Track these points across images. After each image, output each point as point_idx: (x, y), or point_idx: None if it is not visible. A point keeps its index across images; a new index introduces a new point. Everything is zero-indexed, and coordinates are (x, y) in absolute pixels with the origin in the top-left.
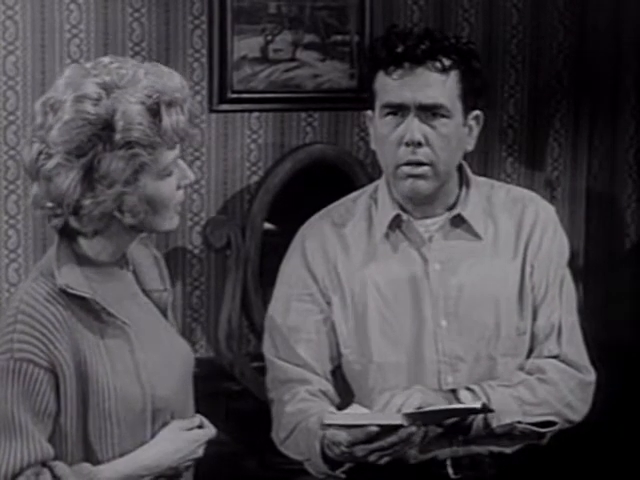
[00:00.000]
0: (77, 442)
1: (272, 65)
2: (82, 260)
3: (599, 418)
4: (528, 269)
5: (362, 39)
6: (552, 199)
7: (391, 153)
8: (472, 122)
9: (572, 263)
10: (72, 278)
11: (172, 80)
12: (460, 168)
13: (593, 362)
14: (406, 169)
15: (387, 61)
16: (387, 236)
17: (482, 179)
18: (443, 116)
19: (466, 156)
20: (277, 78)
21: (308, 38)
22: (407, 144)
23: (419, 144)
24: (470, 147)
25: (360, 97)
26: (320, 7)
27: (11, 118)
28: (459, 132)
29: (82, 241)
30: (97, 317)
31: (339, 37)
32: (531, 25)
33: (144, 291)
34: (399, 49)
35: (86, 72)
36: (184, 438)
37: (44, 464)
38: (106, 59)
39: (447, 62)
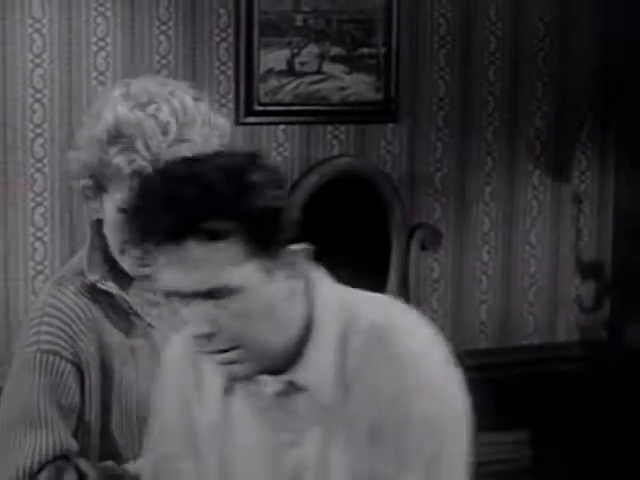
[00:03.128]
0: (101, 439)
1: (298, 78)
2: (111, 262)
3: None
4: None
5: (389, 52)
6: (579, 212)
7: None
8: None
9: (599, 276)
10: (101, 275)
11: None
12: None
13: None
14: None
15: None
16: None
17: None
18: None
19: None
20: (303, 91)
21: (334, 51)
22: None
23: None
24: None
25: (386, 110)
26: (346, 20)
27: (38, 131)
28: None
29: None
30: (123, 316)
31: (365, 50)
32: (558, 38)
33: None
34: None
35: None
36: None
37: (68, 459)
38: None
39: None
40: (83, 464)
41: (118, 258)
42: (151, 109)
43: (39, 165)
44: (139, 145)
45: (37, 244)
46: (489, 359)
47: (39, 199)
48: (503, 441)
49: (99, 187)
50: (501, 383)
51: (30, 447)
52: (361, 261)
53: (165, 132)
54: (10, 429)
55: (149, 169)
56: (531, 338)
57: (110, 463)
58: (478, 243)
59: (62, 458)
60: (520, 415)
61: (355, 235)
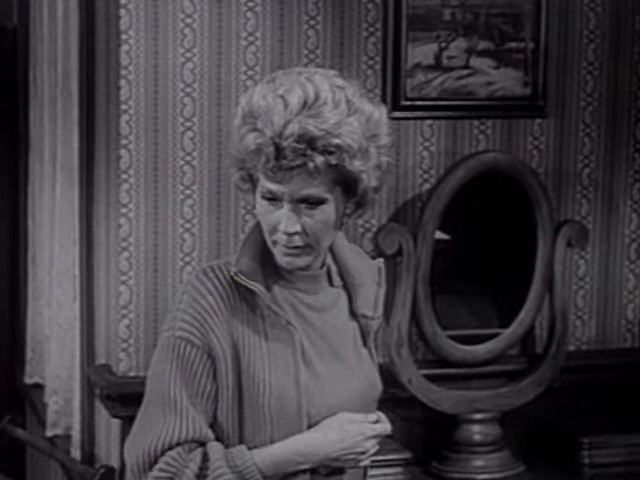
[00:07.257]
0: (233, 432)
1: (445, 72)
2: (263, 256)
3: None
4: None
5: (537, 46)
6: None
7: None
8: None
9: None
10: (246, 267)
11: None
12: None
13: None
14: None
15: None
16: None
17: None
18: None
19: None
20: (450, 85)
21: (482, 45)
22: None
23: None
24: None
25: (534, 105)
26: (495, 14)
27: (188, 124)
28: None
29: None
30: (263, 313)
31: (513, 44)
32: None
33: (353, 313)
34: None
35: None
36: (349, 429)
37: (202, 444)
38: None
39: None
40: (212, 449)
41: (272, 249)
42: (281, 90)
43: (188, 158)
44: (262, 123)
45: (186, 235)
46: (635, 359)
47: (188, 191)
48: None
49: (250, 178)
50: None
51: (159, 429)
52: (506, 257)
53: (287, 107)
54: (146, 409)
55: (270, 144)
56: None
57: (241, 448)
58: (626, 241)
59: (191, 443)
60: None
61: (501, 231)
